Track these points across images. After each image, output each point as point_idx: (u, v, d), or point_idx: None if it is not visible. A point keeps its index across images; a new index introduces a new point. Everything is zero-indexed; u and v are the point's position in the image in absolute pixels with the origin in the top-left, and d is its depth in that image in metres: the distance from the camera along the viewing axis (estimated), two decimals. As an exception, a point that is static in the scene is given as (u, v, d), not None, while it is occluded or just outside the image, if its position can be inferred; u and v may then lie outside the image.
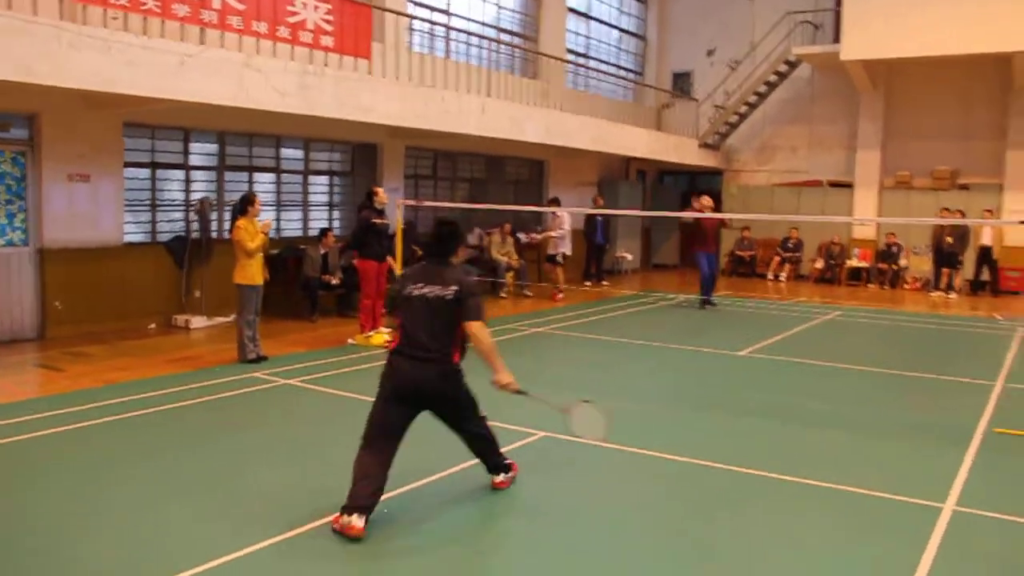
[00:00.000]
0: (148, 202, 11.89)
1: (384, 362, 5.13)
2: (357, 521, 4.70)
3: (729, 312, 14.86)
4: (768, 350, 11.08)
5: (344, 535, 4.70)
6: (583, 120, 16.67)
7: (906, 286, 18.68)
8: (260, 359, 9.40)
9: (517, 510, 5.39)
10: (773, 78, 19.97)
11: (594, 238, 17.77)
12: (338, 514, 4.78)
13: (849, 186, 19.82)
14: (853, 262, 19.48)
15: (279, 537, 4.74)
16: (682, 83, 22.57)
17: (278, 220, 13.52)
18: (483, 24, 17.02)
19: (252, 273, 9.36)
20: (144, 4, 9.31)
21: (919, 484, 5.88)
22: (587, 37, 20.42)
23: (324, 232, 12.99)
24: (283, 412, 7.66)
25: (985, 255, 17.41)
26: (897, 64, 18.37)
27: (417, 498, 5.44)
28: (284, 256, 12.88)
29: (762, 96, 20.34)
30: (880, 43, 17.31)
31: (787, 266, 19.93)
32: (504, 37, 17.47)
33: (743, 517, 5.30)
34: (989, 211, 17.44)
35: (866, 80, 18.83)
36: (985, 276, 17.67)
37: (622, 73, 21.78)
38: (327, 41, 11.33)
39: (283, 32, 10.78)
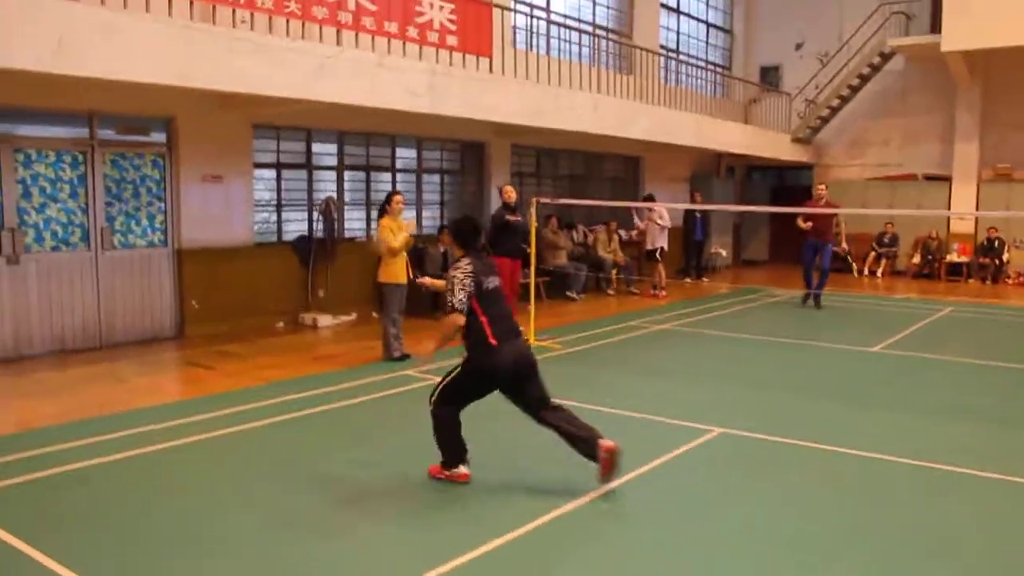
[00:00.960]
0: (274, 202, 12.08)
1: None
2: (467, 469, 5.63)
3: (837, 308, 14.67)
4: (898, 346, 10.92)
5: (457, 481, 5.56)
6: (685, 116, 16.60)
7: (1008, 281, 18.31)
8: (404, 357, 9.48)
9: (705, 507, 5.37)
10: (866, 71, 19.66)
11: (693, 235, 17.66)
12: (442, 468, 5.64)
13: (945, 179, 19.46)
14: (952, 257, 19.14)
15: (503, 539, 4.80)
16: (770, 77, 22.36)
17: (392, 219, 13.65)
18: (579, 20, 16.98)
19: (396, 271, 9.46)
20: (287, 7, 9.45)
21: None
22: (677, 32, 20.31)
23: (443, 229, 13.08)
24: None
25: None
26: (995, 53, 17.96)
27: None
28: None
29: (855, 89, 20.04)
30: (982, 32, 16.93)
31: (883, 261, 19.65)
32: (601, 34, 17.42)
33: (956, 514, 5.24)
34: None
35: (964, 70, 18.47)
36: (1094, 269, 17.28)
37: (715, 68, 21.61)
38: (452, 40, 11.41)
39: (412, 32, 10.87)
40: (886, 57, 19.45)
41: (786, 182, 22.55)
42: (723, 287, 17.30)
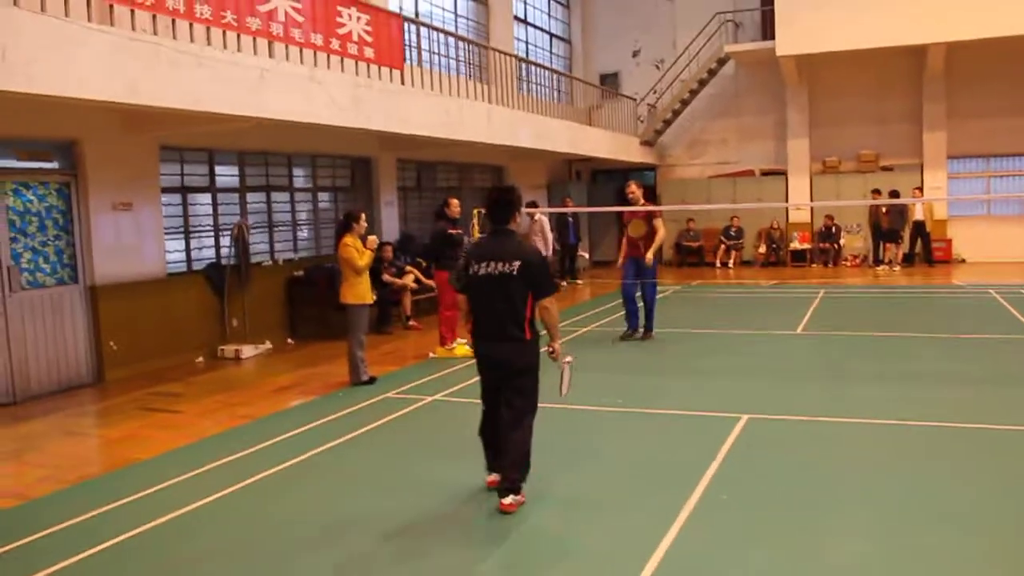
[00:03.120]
0: (182, 229, 11.20)
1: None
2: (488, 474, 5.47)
3: (719, 299, 15.47)
4: (813, 327, 11.72)
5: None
6: (560, 123, 16.93)
7: (846, 263, 20.00)
8: (372, 380, 9.08)
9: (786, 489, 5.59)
10: (704, 76, 20.83)
11: (567, 238, 18.03)
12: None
13: (781, 173, 20.98)
14: (795, 244, 20.65)
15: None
16: (609, 84, 23.15)
17: (295, 240, 13.04)
18: (440, 31, 16.85)
19: (362, 291, 9.04)
20: (224, 18, 8.83)
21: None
22: (526, 42, 20.66)
23: (355, 248, 12.60)
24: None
25: (919, 229, 18.87)
26: (820, 57, 19.56)
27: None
28: (313, 276, 12.44)
29: (693, 93, 21.17)
30: (811, 38, 18.50)
31: (733, 253, 20.89)
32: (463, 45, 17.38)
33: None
34: (919, 189, 19.00)
35: (794, 73, 20.01)
36: (917, 249, 19.14)
37: (571, 76, 22.09)
38: (369, 52, 11.07)
39: (335, 44, 10.45)
40: (721, 62, 20.70)
41: (631, 184, 23.48)
42: (598, 287, 17.73)
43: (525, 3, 20.74)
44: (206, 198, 11.57)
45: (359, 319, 9.08)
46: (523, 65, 19.66)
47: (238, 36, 9.15)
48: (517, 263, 5.05)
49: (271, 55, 9.58)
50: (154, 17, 8.18)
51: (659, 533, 4.73)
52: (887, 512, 5.02)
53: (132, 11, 7.94)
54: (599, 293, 16.77)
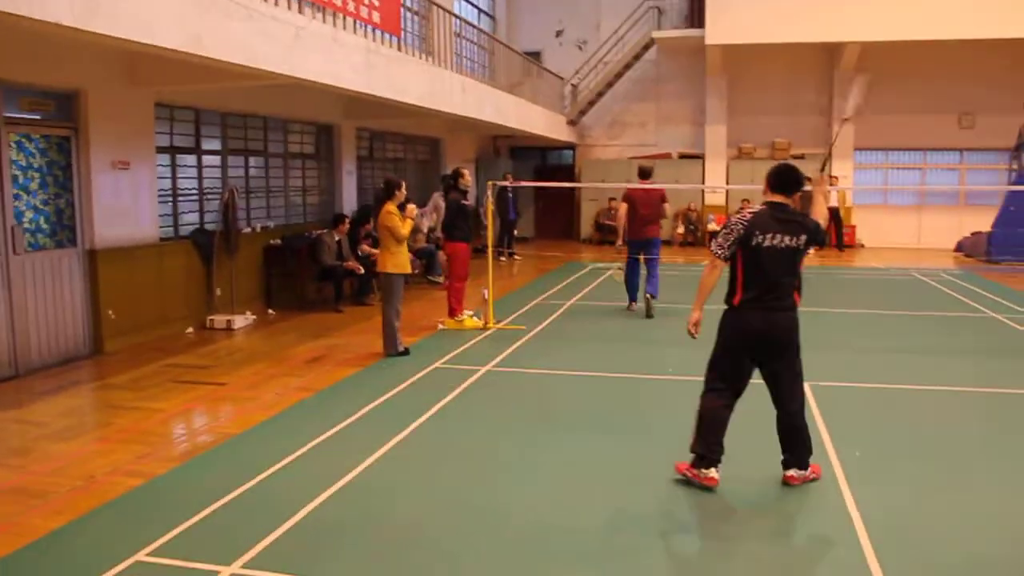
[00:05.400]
0: (170, 192, 10.55)
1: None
2: (716, 473, 5.11)
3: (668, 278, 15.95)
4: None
5: (703, 485, 5.10)
6: (513, 99, 16.91)
7: (760, 246, 20.95)
8: (407, 351, 8.91)
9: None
10: (631, 60, 21.27)
11: (507, 214, 18.07)
12: (690, 464, 5.16)
13: (697, 157, 21.73)
14: (712, 226, 21.46)
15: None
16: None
17: (268, 207, 12.51)
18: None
19: (403, 261, 8.85)
20: (264, -31, 8.39)
21: None
22: (456, 16, 20.39)
23: (340, 218, 12.23)
24: (545, 392, 7.56)
25: (833, 215, 20.00)
26: (743, 47, 20.35)
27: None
28: (294, 244, 12.00)
29: (619, 76, 21.58)
30: (740, 30, 19.22)
31: (652, 233, 21.45)
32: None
33: None
34: (835, 177, 20.16)
35: (718, 62, 20.75)
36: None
37: (522, 52, 21.93)
38: (376, 17, 10.75)
39: (351, 6, 10.09)
40: (646, 47, 21.19)
41: (548, 161, 23.75)
42: (544, 262, 17.90)
43: (457, -26, 20.50)
44: (189, 159, 10.93)
45: (397, 288, 8.89)
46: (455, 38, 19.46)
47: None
48: (803, 236, 5.04)
49: (301, 11, 9.17)
50: (207, -36, 7.67)
51: (836, 491, 5.10)
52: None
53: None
54: (548, 268, 16.97)
